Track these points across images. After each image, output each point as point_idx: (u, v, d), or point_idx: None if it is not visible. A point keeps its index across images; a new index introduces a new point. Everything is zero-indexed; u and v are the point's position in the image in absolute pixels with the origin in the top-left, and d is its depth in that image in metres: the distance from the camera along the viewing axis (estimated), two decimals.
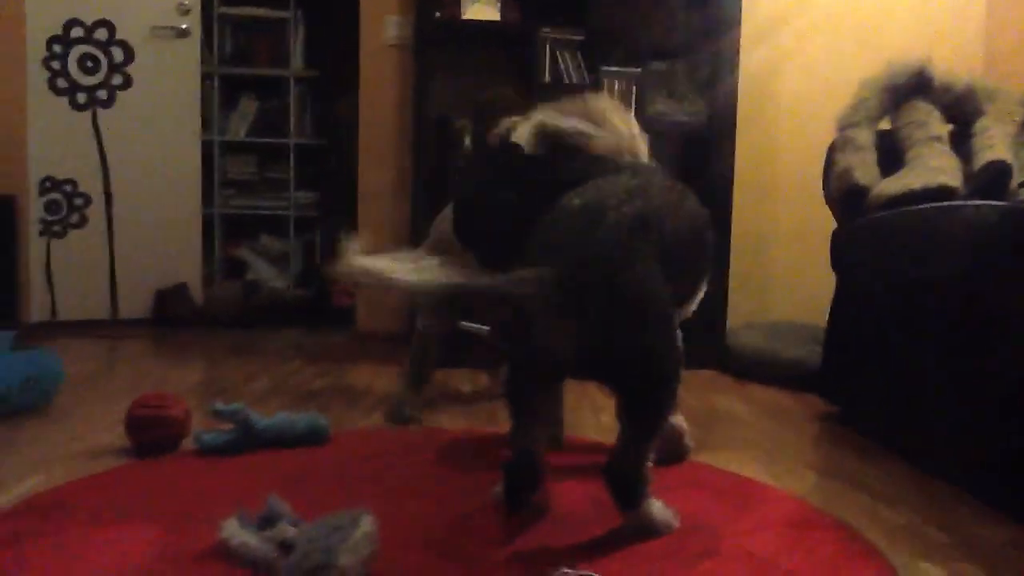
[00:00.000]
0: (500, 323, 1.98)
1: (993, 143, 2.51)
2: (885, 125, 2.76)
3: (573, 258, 1.50)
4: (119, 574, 1.39)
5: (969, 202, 2.22)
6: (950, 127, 2.68)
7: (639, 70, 3.51)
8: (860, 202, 2.57)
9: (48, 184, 4.03)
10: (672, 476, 1.94)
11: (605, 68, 3.46)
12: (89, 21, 4.03)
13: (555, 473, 1.96)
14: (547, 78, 3.43)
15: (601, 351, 1.50)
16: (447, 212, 2.41)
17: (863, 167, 2.60)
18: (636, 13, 3.62)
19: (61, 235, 4.06)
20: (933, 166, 2.48)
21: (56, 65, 4.01)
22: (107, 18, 4.05)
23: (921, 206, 2.34)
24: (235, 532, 1.45)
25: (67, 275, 4.07)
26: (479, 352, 2.78)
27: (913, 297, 2.21)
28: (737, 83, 3.41)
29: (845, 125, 2.71)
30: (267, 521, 1.48)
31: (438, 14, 3.41)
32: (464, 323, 2.61)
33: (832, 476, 2.08)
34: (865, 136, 2.66)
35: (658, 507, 1.62)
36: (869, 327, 2.45)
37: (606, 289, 1.48)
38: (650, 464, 1.60)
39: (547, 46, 3.42)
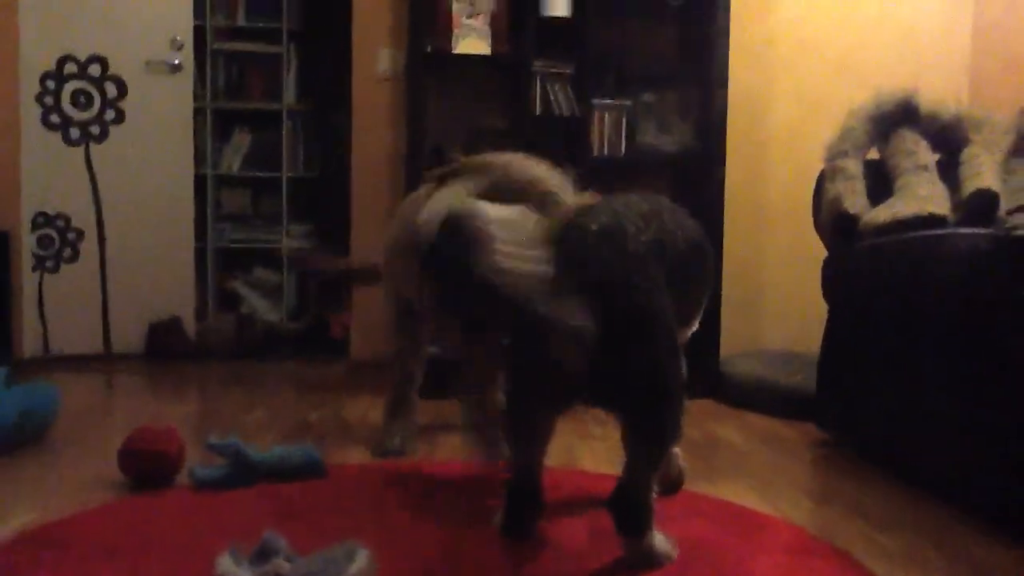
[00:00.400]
0: (498, 346, 1.97)
1: (980, 171, 2.53)
2: (874, 154, 2.79)
3: (599, 284, 1.53)
4: None
5: (960, 230, 2.25)
6: (937, 156, 2.71)
7: (629, 102, 3.54)
8: (850, 230, 2.59)
9: (41, 219, 4.03)
10: (671, 506, 1.94)
11: (596, 101, 3.49)
12: (83, 57, 4.06)
13: (552, 503, 1.95)
14: (538, 110, 3.46)
15: (615, 372, 1.54)
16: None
17: (852, 196, 2.62)
18: (626, 44, 3.66)
19: (54, 270, 4.06)
20: (922, 195, 2.50)
21: (49, 101, 4.03)
22: (100, 54, 4.08)
23: (911, 234, 2.36)
24: (229, 568, 1.44)
25: (60, 309, 4.06)
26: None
27: (906, 324, 2.23)
28: (726, 111, 3.44)
29: (834, 155, 2.74)
30: (262, 556, 1.47)
31: (429, 48, 3.45)
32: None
33: (829, 503, 2.08)
34: (854, 165, 2.69)
35: (659, 538, 1.62)
36: (863, 354, 2.46)
37: (627, 312, 1.53)
38: (654, 494, 1.61)
39: (538, 78, 3.45)
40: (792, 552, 1.70)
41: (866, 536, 1.82)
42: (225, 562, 1.46)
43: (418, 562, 1.60)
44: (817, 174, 2.83)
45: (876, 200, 2.61)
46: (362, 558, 1.41)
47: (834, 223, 2.65)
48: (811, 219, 2.85)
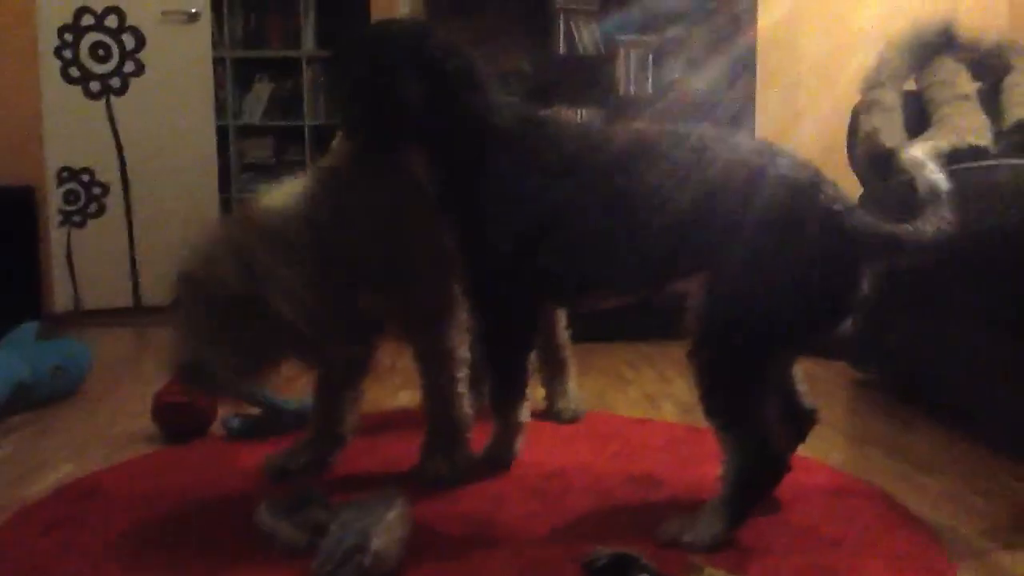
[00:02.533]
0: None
1: (1023, 99, 2.45)
2: (911, 86, 2.71)
3: None
4: (155, 560, 1.38)
5: (1003, 161, 2.17)
6: (978, 85, 2.62)
7: (655, 38, 3.45)
8: (887, 165, 2.52)
9: (65, 174, 4.03)
10: (706, 447, 1.92)
11: (620, 37, 3.40)
12: (99, 8, 4.01)
13: (590, 451, 1.94)
14: (562, 49, 3.38)
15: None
16: None
17: (890, 129, 2.54)
18: None
19: (80, 224, 4.06)
20: (962, 126, 2.42)
21: (68, 54, 4.00)
22: (117, 5, 4.02)
23: (951, 167, 2.29)
24: (267, 518, 1.44)
25: (88, 264, 4.07)
26: None
27: (946, 260, 2.17)
28: (756, 46, 3.35)
29: (870, 87, 2.65)
30: (298, 505, 1.47)
31: None
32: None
33: (868, 444, 2.05)
34: (891, 97, 2.61)
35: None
36: (901, 293, 2.41)
37: None
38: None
39: (561, 16, 3.37)
40: (831, 493, 1.68)
41: (905, 477, 1.79)
42: (263, 511, 1.46)
43: (455, 507, 1.59)
44: (852, 108, 2.75)
45: (914, 133, 2.53)
46: (399, 504, 1.40)
47: (870, 158, 2.58)
48: (846, 155, 2.78)
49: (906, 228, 1.43)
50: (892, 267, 1.46)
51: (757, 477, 1.42)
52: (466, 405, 1.75)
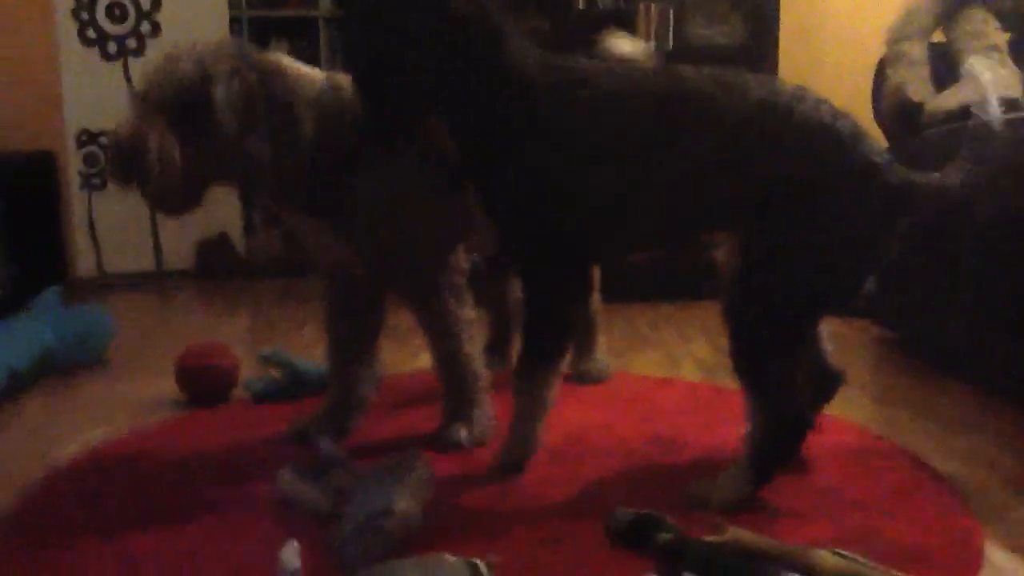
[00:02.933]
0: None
1: None
2: (938, 37, 2.64)
3: None
4: (181, 524, 1.40)
5: None
6: (1008, 36, 2.55)
7: None
8: (914, 119, 2.46)
9: (85, 137, 4.03)
10: (731, 407, 1.91)
11: None
12: None
13: (612, 412, 1.94)
14: (581, 4, 3.32)
15: None
16: None
17: (916, 82, 2.48)
18: None
19: (100, 188, 4.07)
20: (991, 78, 2.36)
21: (85, 15, 3.98)
22: None
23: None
24: (290, 481, 1.45)
25: (110, 228, 4.09)
26: None
27: (977, 216, 2.13)
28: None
29: (896, 38, 2.58)
30: (322, 469, 1.48)
31: None
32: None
33: (893, 403, 2.03)
34: (918, 49, 2.54)
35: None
36: (927, 250, 2.37)
37: None
38: None
39: None
40: (856, 453, 1.67)
41: (933, 436, 1.77)
42: (287, 475, 1.47)
43: (477, 470, 1.60)
44: (877, 61, 2.69)
45: (942, 86, 2.48)
46: (422, 466, 1.41)
47: (897, 112, 2.52)
48: (871, 109, 2.72)
49: (936, 177, 1.39)
50: (921, 218, 1.42)
51: (783, 437, 1.41)
52: (478, 365, 1.73)
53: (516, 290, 2.15)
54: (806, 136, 1.36)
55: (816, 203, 1.35)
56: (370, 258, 1.64)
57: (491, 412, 1.75)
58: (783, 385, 1.38)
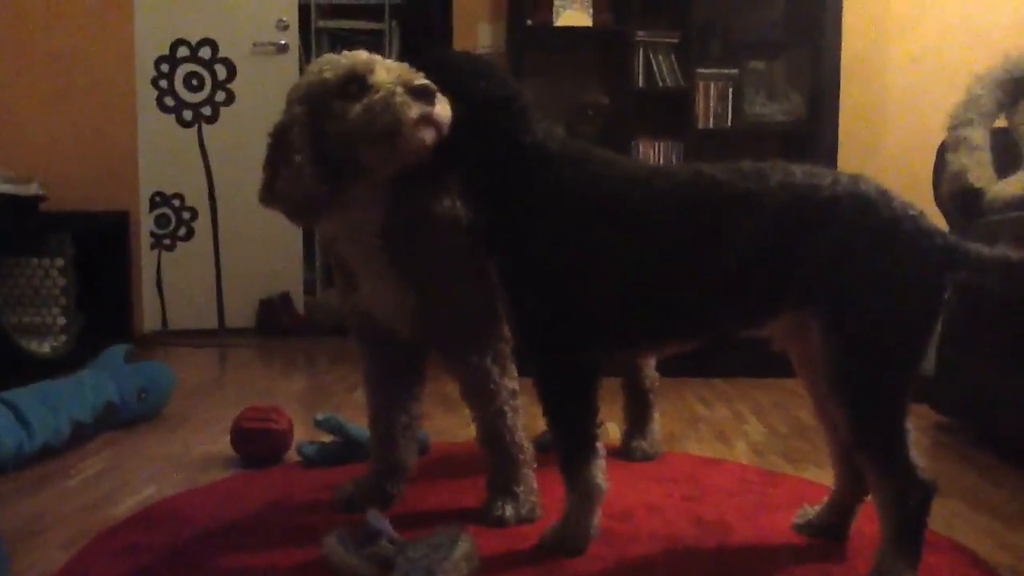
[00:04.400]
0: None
1: None
2: (1001, 123, 2.62)
3: None
4: None
5: None
6: None
7: (736, 71, 3.43)
8: (975, 205, 2.44)
9: (158, 199, 4.19)
10: (781, 493, 1.88)
11: (701, 70, 3.39)
12: (194, 40, 4.18)
13: (659, 492, 1.92)
14: (641, 82, 3.38)
15: None
16: None
17: (978, 168, 2.47)
18: (733, 11, 3.54)
19: (170, 248, 4.22)
20: None
21: (164, 84, 4.17)
22: (210, 37, 4.19)
23: None
24: (335, 549, 1.47)
25: (176, 286, 4.22)
26: None
27: None
28: (839, 77, 3.30)
29: (957, 124, 2.58)
30: (367, 538, 1.49)
31: (530, 21, 3.40)
32: None
33: (949, 495, 1.97)
34: (979, 135, 2.53)
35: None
36: (987, 337, 2.33)
37: None
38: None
39: (641, 49, 3.37)
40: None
41: (992, 533, 1.72)
42: (332, 543, 1.48)
43: (522, 545, 1.59)
44: (937, 145, 2.68)
45: (1004, 173, 2.45)
46: (466, 540, 1.41)
47: (957, 197, 2.50)
48: (931, 193, 2.70)
49: (984, 247, 1.41)
50: (970, 282, 1.42)
51: (918, 504, 1.37)
52: (522, 437, 1.71)
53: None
54: (843, 208, 1.37)
55: (878, 267, 1.35)
56: (430, 313, 1.64)
57: (535, 487, 1.74)
58: (906, 452, 1.37)
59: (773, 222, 1.39)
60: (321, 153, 1.46)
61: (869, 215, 1.36)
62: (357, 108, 1.44)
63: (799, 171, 1.43)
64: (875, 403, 1.37)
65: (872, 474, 1.38)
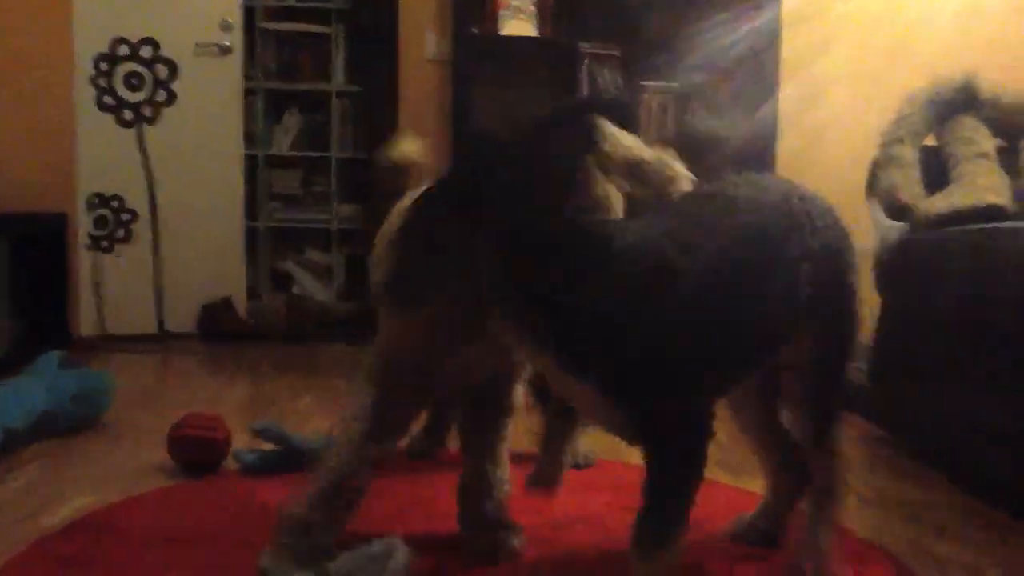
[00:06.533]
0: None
1: None
2: (930, 141, 2.71)
3: None
4: None
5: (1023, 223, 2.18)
6: (998, 142, 2.63)
7: (678, 85, 3.49)
8: (904, 220, 2.52)
9: (96, 200, 4.11)
10: (712, 502, 1.91)
11: (644, 83, 3.44)
12: (135, 39, 4.11)
13: (600, 501, 1.94)
14: (586, 93, 3.42)
15: None
16: None
17: (908, 185, 2.55)
18: (676, 28, 3.60)
19: (109, 250, 4.14)
20: (981, 184, 2.43)
21: (103, 83, 4.09)
22: (152, 36, 4.13)
23: (971, 226, 2.29)
24: (273, 563, 1.46)
25: (115, 289, 4.14)
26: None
27: (966, 320, 2.17)
28: (778, 95, 3.38)
29: (889, 141, 2.66)
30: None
31: (475, 30, 3.42)
32: None
33: (880, 505, 2.03)
34: (909, 153, 2.61)
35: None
36: (918, 350, 2.40)
37: None
38: None
39: (586, 61, 3.42)
40: (840, 557, 1.67)
41: (920, 543, 1.77)
42: (269, 556, 1.48)
43: (460, 557, 1.60)
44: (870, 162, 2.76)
45: (933, 189, 2.54)
46: (402, 553, 1.42)
47: (888, 213, 2.58)
48: (864, 208, 2.78)
49: None
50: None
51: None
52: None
53: None
54: (825, 223, 1.50)
55: (852, 275, 1.52)
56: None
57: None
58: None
59: (794, 255, 1.44)
60: None
61: (841, 228, 1.53)
62: None
63: (773, 188, 1.53)
64: (836, 408, 1.56)
65: (820, 468, 1.55)
